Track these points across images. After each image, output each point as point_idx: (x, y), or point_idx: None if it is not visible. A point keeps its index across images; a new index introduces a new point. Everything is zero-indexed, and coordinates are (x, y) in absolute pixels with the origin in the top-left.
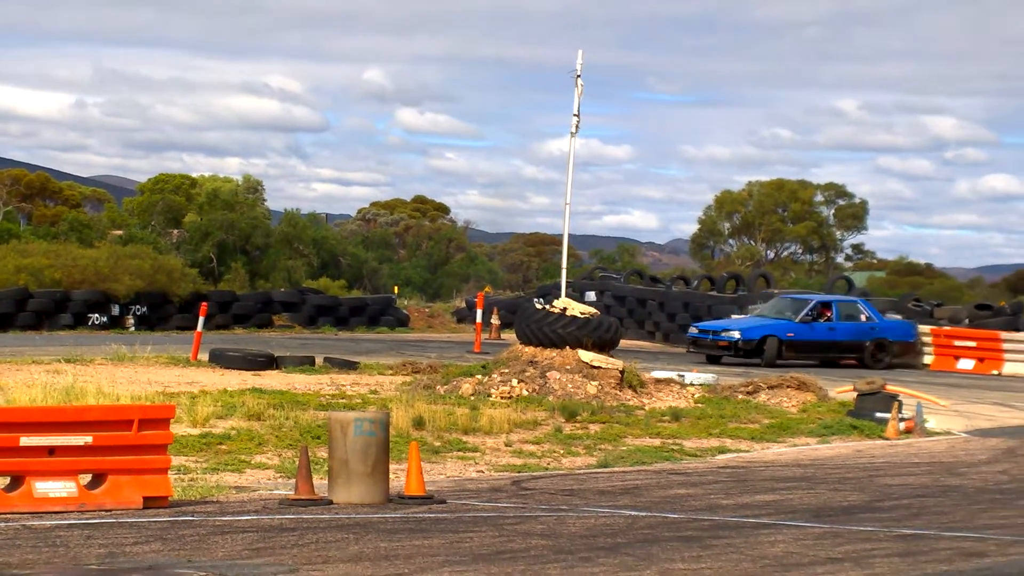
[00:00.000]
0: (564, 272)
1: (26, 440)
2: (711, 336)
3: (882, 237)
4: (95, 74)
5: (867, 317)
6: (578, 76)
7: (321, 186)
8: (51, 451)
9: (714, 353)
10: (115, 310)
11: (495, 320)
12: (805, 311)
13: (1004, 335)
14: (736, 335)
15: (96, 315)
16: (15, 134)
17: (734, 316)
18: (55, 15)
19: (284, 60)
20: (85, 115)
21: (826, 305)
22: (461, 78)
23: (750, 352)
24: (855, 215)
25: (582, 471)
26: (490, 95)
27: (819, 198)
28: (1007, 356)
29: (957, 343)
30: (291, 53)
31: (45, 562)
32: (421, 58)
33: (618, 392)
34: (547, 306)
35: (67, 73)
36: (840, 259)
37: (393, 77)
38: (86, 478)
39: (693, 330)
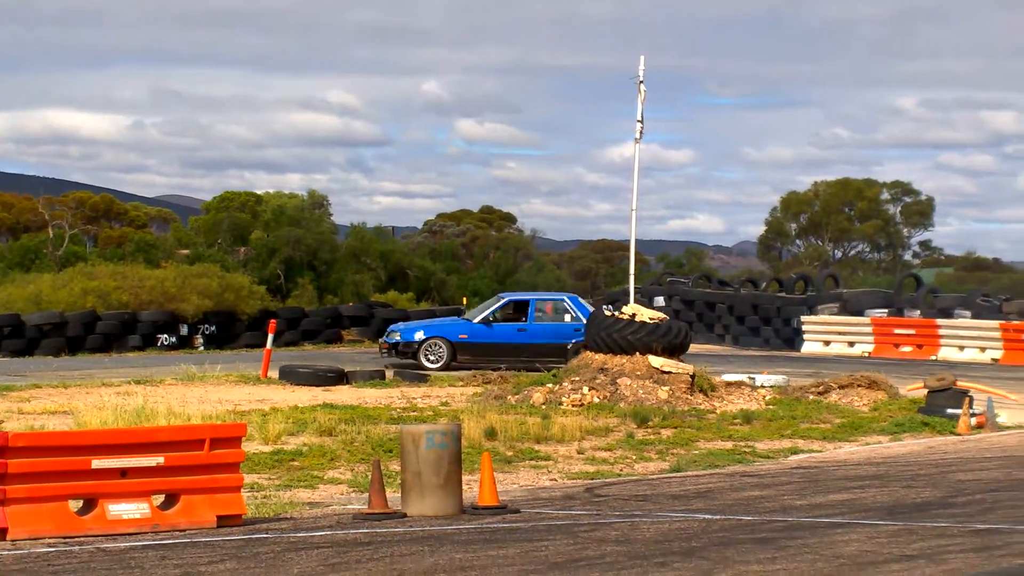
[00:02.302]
0: (632, 278)
1: (98, 463)
2: (384, 339)
3: (948, 233)
4: (152, 94)
5: (573, 317)
6: (641, 82)
7: (384, 199)
8: (123, 473)
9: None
10: (184, 330)
11: None
12: (488, 312)
13: None
14: (397, 336)
15: (165, 335)
16: (75, 156)
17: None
18: (110, 36)
19: (340, 75)
20: (144, 135)
21: (521, 305)
22: (518, 87)
23: (412, 356)
24: (922, 212)
25: (655, 476)
26: (548, 103)
27: (885, 196)
28: None
29: None
30: (347, 68)
31: None
32: (478, 69)
33: (689, 396)
34: (616, 313)
35: (124, 94)
36: (908, 256)
37: (451, 88)
38: (159, 499)
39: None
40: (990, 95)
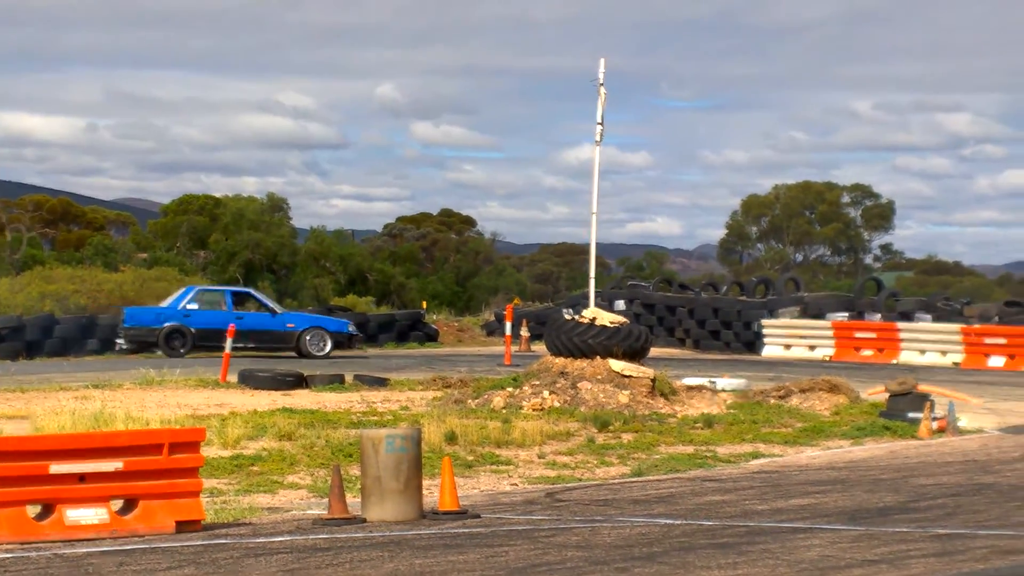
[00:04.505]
0: (592, 281)
1: (56, 467)
2: None
3: (907, 236)
4: (106, 96)
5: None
6: (601, 84)
7: (341, 202)
8: (82, 478)
9: None
10: None
11: (524, 332)
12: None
13: None
14: None
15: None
16: (31, 159)
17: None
18: (63, 39)
19: (295, 77)
20: (98, 138)
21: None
22: (475, 89)
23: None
24: (882, 215)
25: (616, 481)
26: (504, 106)
27: (846, 199)
28: None
29: (987, 341)
30: (302, 70)
31: None
32: (433, 71)
33: (650, 400)
34: (576, 316)
35: (78, 96)
36: (868, 260)
37: (406, 91)
38: (118, 504)
39: None
40: (944, 97)
